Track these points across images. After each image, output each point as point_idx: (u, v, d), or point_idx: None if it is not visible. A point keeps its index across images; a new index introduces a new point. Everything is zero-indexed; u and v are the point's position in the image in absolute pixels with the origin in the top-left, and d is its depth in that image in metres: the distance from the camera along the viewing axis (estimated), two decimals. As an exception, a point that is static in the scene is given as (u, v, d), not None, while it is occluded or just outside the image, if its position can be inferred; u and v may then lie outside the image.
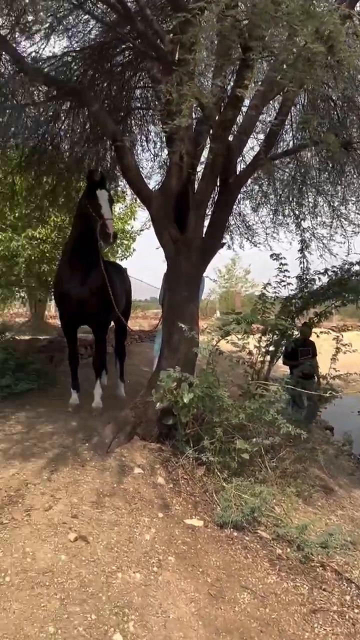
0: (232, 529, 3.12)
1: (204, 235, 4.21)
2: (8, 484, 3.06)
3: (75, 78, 5.01)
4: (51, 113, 5.30)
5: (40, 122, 4.88)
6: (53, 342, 6.61)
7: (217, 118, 3.52)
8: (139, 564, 2.60)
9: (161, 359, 4.32)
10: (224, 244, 4.43)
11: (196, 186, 4.14)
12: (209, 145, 3.87)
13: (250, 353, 4.96)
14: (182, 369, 3.89)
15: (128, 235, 14.57)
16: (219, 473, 3.65)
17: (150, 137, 6.32)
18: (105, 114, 4.24)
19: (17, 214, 11.12)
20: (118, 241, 13.78)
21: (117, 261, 14.10)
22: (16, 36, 4.17)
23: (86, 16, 4.82)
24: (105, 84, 5.50)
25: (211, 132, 3.72)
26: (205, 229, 4.27)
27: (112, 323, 5.95)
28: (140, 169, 5.15)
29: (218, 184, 4.23)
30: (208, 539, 3.00)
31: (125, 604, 2.31)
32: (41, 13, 3.82)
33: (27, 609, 2.14)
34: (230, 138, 4.06)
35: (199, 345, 4.22)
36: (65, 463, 3.50)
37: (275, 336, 5.27)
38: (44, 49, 4.55)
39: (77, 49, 5.09)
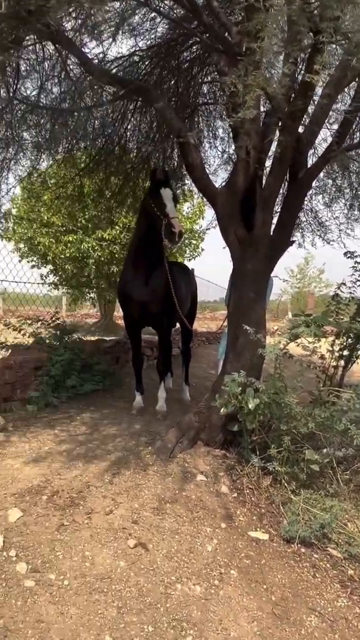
0: (299, 545, 2.97)
1: (272, 233, 4.07)
2: (71, 485, 3.11)
3: (142, 77, 5.04)
4: (118, 113, 5.37)
5: (107, 123, 4.95)
6: (119, 343, 6.70)
7: (286, 109, 3.36)
8: (199, 576, 2.52)
9: (225, 362, 4.22)
10: (294, 241, 4.25)
11: (264, 182, 3.98)
12: (277, 139, 3.71)
13: (322, 357, 4.73)
14: (247, 374, 3.78)
15: (196, 235, 14.61)
16: (286, 484, 3.50)
17: (217, 133, 6.23)
18: (171, 110, 4.20)
19: (87, 216, 11.47)
20: (186, 241, 13.85)
21: (185, 261, 14.17)
22: (83, 38, 4.24)
23: (152, 14, 4.82)
24: (172, 82, 5.49)
25: (280, 123, 3.57)
26: (273, 227, 4.12)
27: (178, 325, 5.95)
28: (207, 167, 5.09)
29: (287, 178, 4.07)
30: (273, 554, 2.87)
31: (183, 617, 2.24)
32: (107, 14, 3.87)
33: (85, 615, 2.14)
34: (301, 129, 3.88)
35: (265, 348, 4.09)
36: (127, 467, 3.51)
37: (349, 340, 4.99)
38: (109, 49, 4.60)
39: (144, 47, 5.12)
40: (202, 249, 15.24)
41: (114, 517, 2.79)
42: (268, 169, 3.99)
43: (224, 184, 4.84)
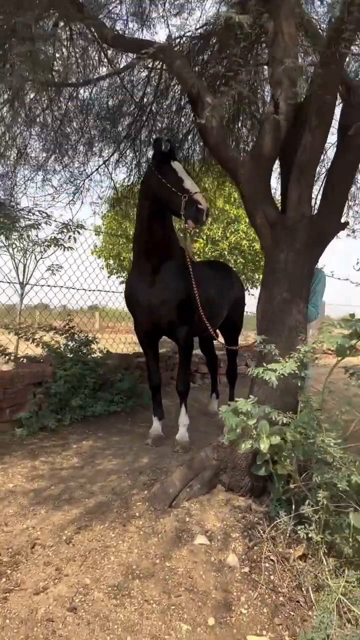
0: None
1: (313, 214, 3.19)
2: (11, 542, 2.43)
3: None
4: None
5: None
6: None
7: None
8: None
9: (253, 380, 3.39)
10: (346, 224, 3.33)
11: (301, 146, 3.12)
12: (316, 82, 2.86)
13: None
14: (280, 399, 2.96)
15: None
16: (324, 559, 2.57)
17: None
18: (189, 69, 3.50)
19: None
20: None
21: None
22: None
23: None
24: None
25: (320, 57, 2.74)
26: (316, 206, 3.25)
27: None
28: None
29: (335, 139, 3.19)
30: None
31: None
32: None
33: None
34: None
35: (305, 366, 3.22)
36: (103, 518, 2.78)
37: None
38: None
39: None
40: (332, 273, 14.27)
41: (44, 600, 2.05)
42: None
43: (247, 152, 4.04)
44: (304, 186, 3.08)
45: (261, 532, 2.82)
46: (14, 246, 5.69)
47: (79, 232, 5.71)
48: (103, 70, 4.54)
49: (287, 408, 2.85)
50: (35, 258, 6.19)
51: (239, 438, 2.73)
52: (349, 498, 2.67)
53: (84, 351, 4.92)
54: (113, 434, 4.33)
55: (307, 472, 2.91)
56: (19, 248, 5.71)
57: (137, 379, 5.40)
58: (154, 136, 4.97)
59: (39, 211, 5.56)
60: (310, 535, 2.59)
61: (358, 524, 2.42)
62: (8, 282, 5.74)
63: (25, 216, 5.51)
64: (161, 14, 4.61)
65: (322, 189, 3.32)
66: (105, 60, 4.46)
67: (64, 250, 5.71)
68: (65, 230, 5.64)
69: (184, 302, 3.85)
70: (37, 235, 5.67)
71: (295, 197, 3.09)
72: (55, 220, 5.61)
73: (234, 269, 5.98)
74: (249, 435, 2.71)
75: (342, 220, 3.32)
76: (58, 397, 4.30)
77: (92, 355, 5.06)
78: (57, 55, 4.55)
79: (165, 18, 4.53)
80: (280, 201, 3.49)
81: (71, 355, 4.78)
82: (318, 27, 2.51)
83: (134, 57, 4.07)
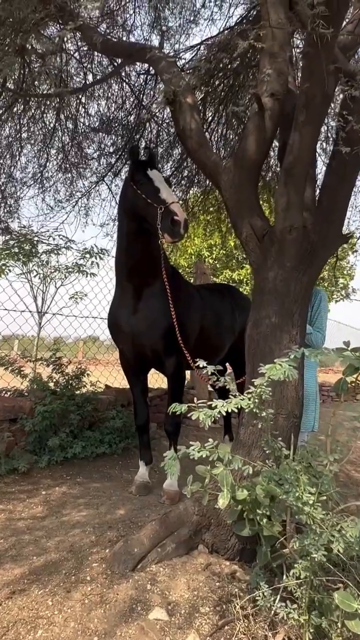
0: None
1: (306, 224, 2.89)
2: None
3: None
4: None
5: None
6: (161, 395, 5.72)
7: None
8: None
9: (240, 421, 3.07)
10: (349, 236, 3.00)
11: (288, 144, 2.85)
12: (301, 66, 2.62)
13: None
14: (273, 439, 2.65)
15: (344, 272, 13.08)
16: (308, 645, 2.16)
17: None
18: (170, 64, 3.33)
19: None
20: (333, 279, 12.29)
21: (332, 305, 12.38)
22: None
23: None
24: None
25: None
26: (309, 214, 2.95)
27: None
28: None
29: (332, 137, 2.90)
30: None
31: None
32: None
33: None
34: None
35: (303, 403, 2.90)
36: (46, 581, 2.47)
37: None
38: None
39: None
40: (353, 289, 13.39)
41: None
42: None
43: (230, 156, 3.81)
44: (292, 191, 2.78)
45: (236, 607, 2.43)
46: (34, 273, 5.55)
47: (100, 257, 5.58)
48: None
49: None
50: (55, 285, 6.03)
51: (205, 490, 2.40)
52: (340, 570, 2.27)
53: (73, 384, 4.69)
54: (95, 479, 4.03)
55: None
56: (39, 274, 5.57)
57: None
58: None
59: (59, 236, 5.52)
60: (291, 616, 2.20)
61: (345, 606, 2.03)
62: (28, 311, 5.58)
63: (44, 240, 5.45)
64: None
65: (318, 195, 3.02)
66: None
67: (87, 276, 5.60)
68: (87, 256, 5.53)
69: (172, 329, 3.58)
70: (57, 261, 5.58)
71: (283, 204, 2.80)
72: (76, 245, 5.52)
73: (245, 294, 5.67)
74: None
75: (344, 232, 2.99)
76: (34, 435, 4.05)
77: (83, 390, 4.82)
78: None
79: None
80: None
81: (57, 389, 4.56)
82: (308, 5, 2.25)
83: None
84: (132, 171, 3.56)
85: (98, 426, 4.68)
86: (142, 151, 3.51)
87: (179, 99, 3.06)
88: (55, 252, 5.49)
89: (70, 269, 5.56)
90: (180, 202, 3.59)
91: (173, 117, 3.19)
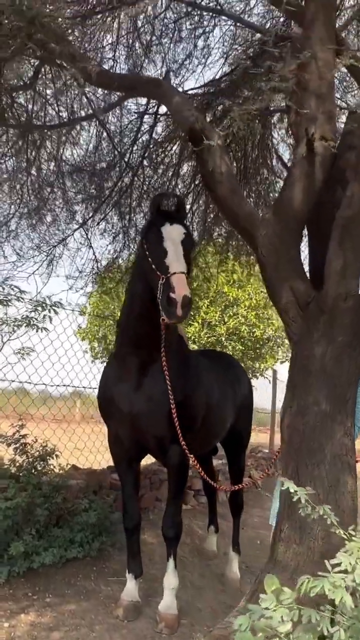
0: None
1: (362, 290, 2.50)
2: None
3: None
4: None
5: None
6: (146, 473, 5.06)
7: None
8: None
9: (275, 542, 2.51)
10: None
11: (344, 197, 2.50)
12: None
13: None
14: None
15: None
16: None
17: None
18: (190, 105, 2.97)
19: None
20: None
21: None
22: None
23: None
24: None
25: None
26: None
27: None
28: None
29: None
30: None
31: None
32: None
33: None
34: None
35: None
36: None
37: None
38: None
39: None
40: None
41: None
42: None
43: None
44: (350, 252, 2.40)
45: None
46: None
47: (55, 312, 5.04)
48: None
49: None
50: (2, 339, 5.43)
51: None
52: None
53: (39, 468, 3.97)
54: (68, 597, 3.29)
55: None
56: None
57: (110, 507, 4.39)
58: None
59: (10, 285, 4.97)
60: None
61: None
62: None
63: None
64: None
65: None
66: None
67: (37, 330, 5.02)
68: (39, 309, 4.96)
69: (185, 411, 3.04)
70: (5, 314, 5.01)
71: (338, 267, 2.40)
72: (30, 299, 4.99)
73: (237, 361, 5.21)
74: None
75: None
76: (-6, 539, 3.32)
77: (49, 475, 4.10)
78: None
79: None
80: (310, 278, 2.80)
81: (19, 474, 3.84)
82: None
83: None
84: (147, 225, 3.10)
85: (67, 521, 3.94)
86: (170, 200, 3.03)
87: (205, 135, 2.67)
88: (4, 303, 4.94)
89: (19, 322, 5.02)
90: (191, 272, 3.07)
91: (198, 159, 2.77)
